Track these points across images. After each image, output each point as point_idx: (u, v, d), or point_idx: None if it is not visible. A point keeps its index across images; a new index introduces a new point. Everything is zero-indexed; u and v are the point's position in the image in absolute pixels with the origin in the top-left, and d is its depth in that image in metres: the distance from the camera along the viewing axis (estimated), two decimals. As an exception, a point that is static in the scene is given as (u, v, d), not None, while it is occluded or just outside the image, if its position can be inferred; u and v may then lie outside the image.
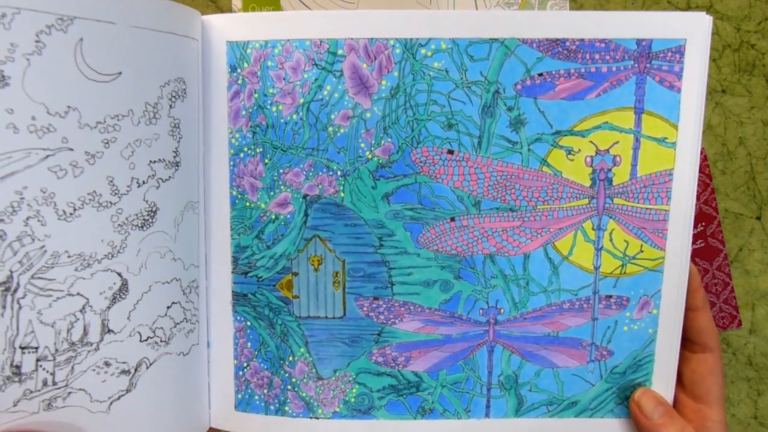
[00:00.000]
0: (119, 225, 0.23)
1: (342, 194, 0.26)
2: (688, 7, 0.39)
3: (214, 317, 0.28)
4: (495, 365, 0.27)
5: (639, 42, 0.25)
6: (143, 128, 0.23)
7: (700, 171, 0.38)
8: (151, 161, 0.24)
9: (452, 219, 0.26)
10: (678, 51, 0.25)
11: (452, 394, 0.27)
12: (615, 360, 0.27)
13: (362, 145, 0.26)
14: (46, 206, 0.21)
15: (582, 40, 0.25)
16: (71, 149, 0.21)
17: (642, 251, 0.26)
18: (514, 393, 0.27)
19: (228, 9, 0.39)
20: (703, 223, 0.37)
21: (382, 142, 0.26)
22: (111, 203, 0.23)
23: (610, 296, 0.27)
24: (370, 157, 0.26)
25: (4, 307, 0.21)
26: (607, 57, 0.25)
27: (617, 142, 0.26)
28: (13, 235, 0.21)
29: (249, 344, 0.28)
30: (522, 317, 0.27)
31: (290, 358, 0.28)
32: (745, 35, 0.34)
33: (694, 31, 0.25)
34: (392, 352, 0.27)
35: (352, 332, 0.27)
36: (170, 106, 0.24)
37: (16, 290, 0.21)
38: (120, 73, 0.22)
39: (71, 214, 0.22)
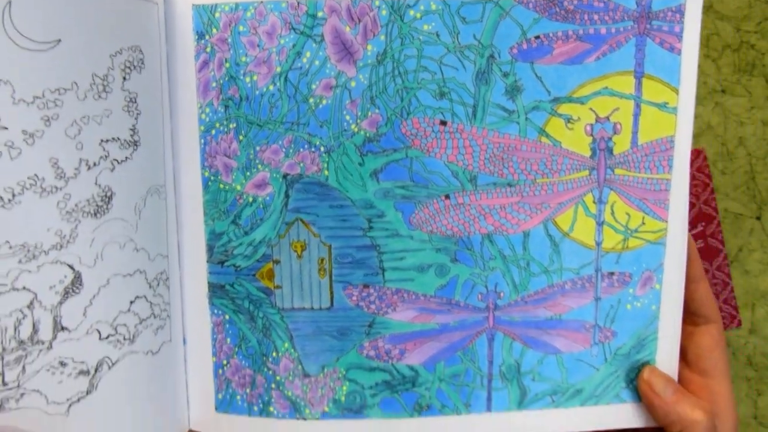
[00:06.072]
0: (67, 212, 0.20)
1: (326, 172, 0.24)
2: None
3: (189, 311, 0.25)
4: (496, 354, 0.26)
5: (639, 1, 0.23)
6: (91, 103, 0.21)
7: (700, 171, 0.37)
8: (102, 140, 0.21)
9: (447, 196, 0.24)
10: (678, 10, 0.24)
11: (451, 388, 0.26)
12: (619, 341, 0.26)
13: (347, 117, 0.24)
14: (-19, 192, 0.18)
15: (580, -1, 0.23)
16: (5, 128, 0.19)
17: (644, 224, 0.25)
18: (516, 384, 0.26)
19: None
20: (703, 223, 0.37)
21: (369, 113, 0.24)
22: (56, 188, 0.20)
23: (613, 273, 0.25)
24: (356, 130, 0.24)
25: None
26: (606, 18, 0.24)
27: (617, 109, 0.24)
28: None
29: (228, 340, 0.25)
30: (523, 300, 0.25)
31: (274, 354, 0.25)
32: (745, 35, 0.34)
33: None
34: (385, 345, 0.25)
35: (340, 324, 0.25)
36: (124, 78, 0.22)
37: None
38: (59, 40, 0.20)
39: (10, 200, 0.19)
